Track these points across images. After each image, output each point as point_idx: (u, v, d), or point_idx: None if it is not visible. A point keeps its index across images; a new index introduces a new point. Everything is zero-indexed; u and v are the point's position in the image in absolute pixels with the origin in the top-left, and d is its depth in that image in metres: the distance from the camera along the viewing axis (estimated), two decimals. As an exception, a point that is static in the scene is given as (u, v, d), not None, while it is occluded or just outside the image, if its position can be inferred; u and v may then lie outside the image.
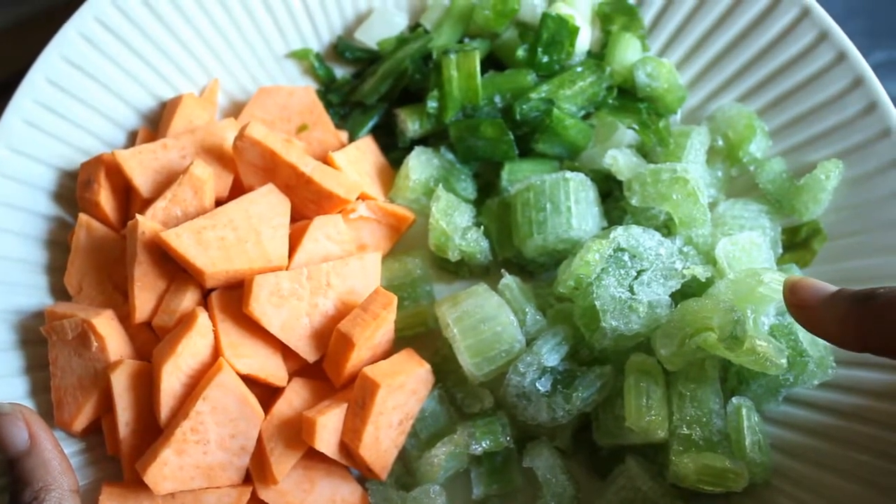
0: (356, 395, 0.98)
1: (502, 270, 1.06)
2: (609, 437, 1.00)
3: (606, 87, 1.14)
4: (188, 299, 1.00)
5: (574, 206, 1.04)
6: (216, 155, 1.07)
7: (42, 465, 0.92)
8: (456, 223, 1.07)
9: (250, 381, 0.98)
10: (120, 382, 0.97)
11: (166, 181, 1.04)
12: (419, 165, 1.11)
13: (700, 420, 0.96)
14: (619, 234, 1.00)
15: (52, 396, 1.01)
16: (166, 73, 1.14)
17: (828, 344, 0.99)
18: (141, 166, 1.04)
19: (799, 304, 0.88)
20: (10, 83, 1.06)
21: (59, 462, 0.93)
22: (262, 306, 0.97)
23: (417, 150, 1.12)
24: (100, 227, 1.05)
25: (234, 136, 1.04)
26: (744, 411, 0.97)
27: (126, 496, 0.97)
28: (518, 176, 1.10)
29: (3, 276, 1.04)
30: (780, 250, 1.08)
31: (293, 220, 1.05)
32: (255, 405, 0.97)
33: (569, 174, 1.05)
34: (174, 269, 1.01)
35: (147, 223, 0.99)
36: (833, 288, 0.87)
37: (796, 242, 1.09)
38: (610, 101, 1.14)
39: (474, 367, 0.99)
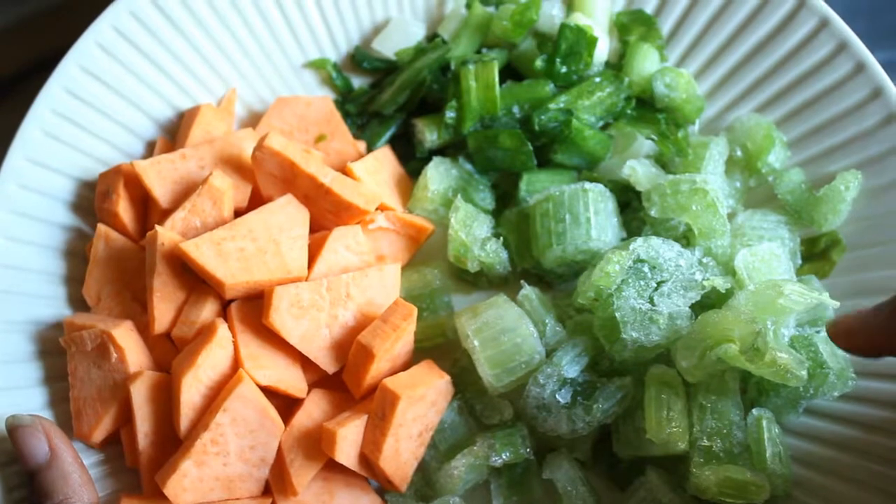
0: (376, 406, 0.97)
1: (521, 281, 1.05)
2: (629, 448, 1.00)
3: (625, 98, 1.13)
4: (207, 310, 0.99)
5: (593, 216, 1.04)
6: (235, 165, 1.07)
7: (62, 477, 0.92)
8: (475, 234, 1.06)
9: (270, 393, 0.98)
10: (139, 394, 0.97)
11: (185, 192, 1.04)
12: (437, 176, 1.11)
13: (721, 432, 0.96)
14: (639, 245, 0.99)
15: (71, 407, 1.01)
16: (184, 84, 1.14)
17: (848, 356, 0.99)
18: (159, 177, 1.04)
19: (845, 331, 0.88)
20: (11, 82, 1.06)
21: (79, 475, 0.93)
22: (281, 317, 0.97)
23: (436, 160, 1.12)
24: (118, 238, 1.05)
25: (252, 146, 1.04)
26: (764, 423, 0.96)
27: (146, 508, 0.97)
28: (537, 186, 1.10)
29: (22, 287, 1.04)
30: (800, 261, 1.08)
31: (312, 230, 1.05)
32: (275, 417, 0.97)
33: (588, 185, 1.05)
34: (193, 281, 1.01)
35: (166, 234, 0.99)
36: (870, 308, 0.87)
37: (815, 253, 1.08)
38: (628, 112, 1.14)
39: (494, 378, 0.99)
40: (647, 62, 1.14)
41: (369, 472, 1.00)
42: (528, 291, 1.04)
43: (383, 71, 1.21)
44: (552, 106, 1.10)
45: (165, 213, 1.03)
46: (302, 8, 1.17)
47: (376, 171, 1.11)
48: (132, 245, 1.05)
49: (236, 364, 0.98)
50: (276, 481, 0.99)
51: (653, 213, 1.04)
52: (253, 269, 0.98)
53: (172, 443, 0.98)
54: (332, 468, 0.99)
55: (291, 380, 1.00)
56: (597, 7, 1.16)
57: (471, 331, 1.00)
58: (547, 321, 1.02)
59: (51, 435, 0.93)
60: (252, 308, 1.00)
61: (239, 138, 1.08)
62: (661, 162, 1.11)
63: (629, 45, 1.16)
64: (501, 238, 1.09)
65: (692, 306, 0.99)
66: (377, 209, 1.08)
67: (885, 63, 1.08)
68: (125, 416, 1.00)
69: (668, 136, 1.11)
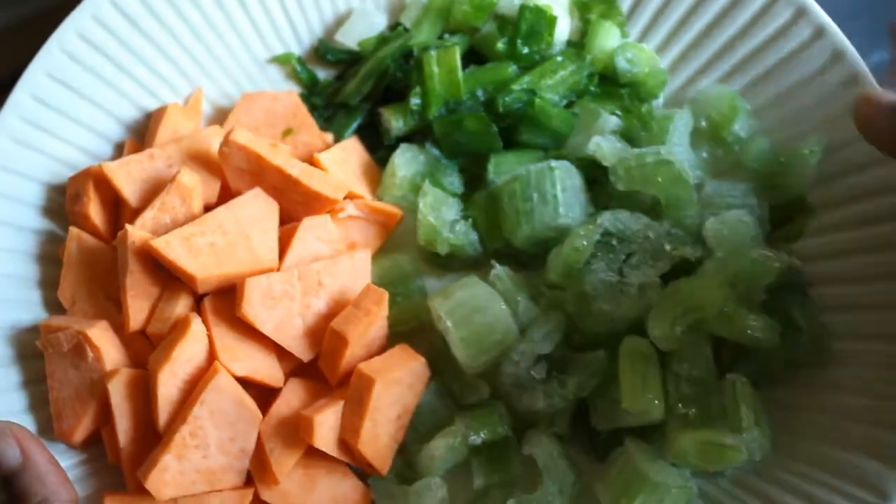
0: (352, 391, 0.98)
1: (493, 261, 1.06)
2: (607, 420, 1.00)
3: (587, 75, 1.14)
4: (181, 306, 1.00)
5: (561, 194, 1.04)
6: (203, 162, 1.08)
7: (38, 479, 0.92)
8: (444, 217, 1.07)
9: (247, 384, 0.99)
10: (117, 391, 0.98)
11: (154, 191, 1.05)
12: (405, 162, 1.12)
13: (696, 398, 0.97)
14: (607, 218, 1.00)
15: (52, 409, 1.02)
16: (149, 84, 1.15)
17: (821, 318, 1.00)
18: (129, 177, 1.05)
19: (865, 120, 0.89)
20: (11, 82, 1.07)
21: (55, 475, 0.93)
22: (254, 308, 0.98)
23: (403, 147, 1.13)
24: (90, 240, 1.05)
25: (219, 142, 1.05)
26: (738, 386, 0.97)
27: (129, 504, 0.97)
28: (504, 168, 1.11)
29: (-3, 293, 1.04)
30: (769, 227, 1.08)
31: (282, 222, 1.05)
32: (252, 407, 0.97)
33: (554, 163, 1.06)
34: (166, 277, 1.02)
35: (137, 233, 0.99)
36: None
37: (784, 218, 1.09)
38: (592, 89, 1.15)
39: (469, 358, 0.99)
40: (608, 39, 1.15)
41: (350, 457, 1.00)
42: (499, 271, 1.04)
43: (347, 62, 1.22)
44: (515, 87, 1.11)
45: (136, 213, 1.04)
46: (264, 3, 1.18)
47: (344, 160, 1.12)
48: (104, 246, 1.06)
49: (212, 357, 0.98)
50: (258, 471, 0.99)
51: (619, 186, 1.05)
52: (224, 262, 0.99)
53: (153, 438, 0.98)
54: (313, 455, 1.00)
55: (267, 370, 1.01)
56: (556, -13, 1.17)
57: (444, 312, 1.00)
58: (519, 299, 1.03)
59: (21, 438, 0.93)
60: (225, 301, 1.01)
61: (206, 135, 1.09)
62: (627, 137, 1.11)
63: (590, 23, 1.16)
64: (471, 220, 1.10)
65: (663, 277, 1.00)
66: (346, 198, 1.09)
67: (884, 62, 1.09)
68: (105, 414, 1.00)
69: (633, 110, 1.11)
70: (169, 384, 0.96)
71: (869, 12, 1.09)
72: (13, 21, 1.33)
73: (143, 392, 0.99)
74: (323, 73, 1.22)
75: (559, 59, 1.14)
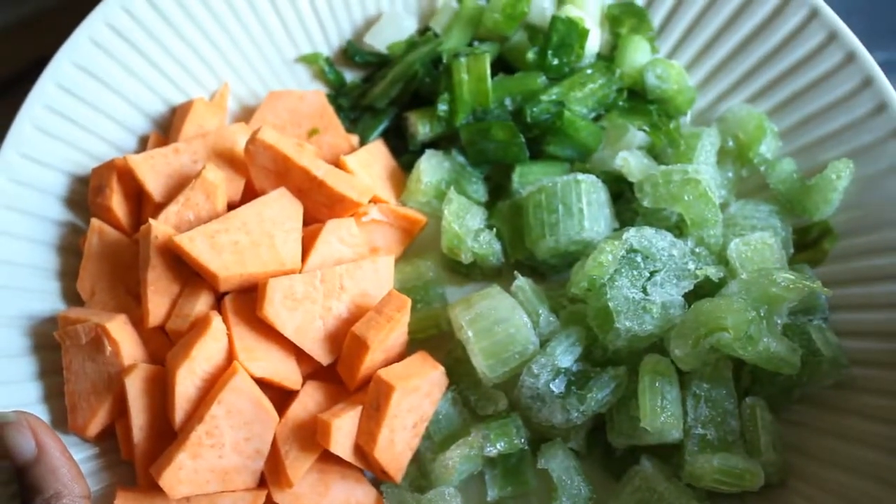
0: (371, 397, 0.98)
1: (515, 272, 1.06)
2: (624, 437, 1.00)
3: (616, 90, 1.14)
4: (202, 303, 1.00)
5: (586, 207, 1.04)
6: (228, 159, 1.07)
7: (51, 472, 0.91)
8: (468, 225, 1.07)
9: (264, 385, 0.98)
10: (134, 387, 0.97)
11: (178, 186, 1.04)
12: (430, 168, 1.11)
13: (715, 420, 0.97)
14: (632, 235, 1.00)
15: (66, 401, 1.01)
16: (177, 78, 1.14)
17: (841, 343, 1.00)
18: (153, 171, 1.04)
19: None
20: (11, 82, 1.06)
21: (68, 469, 0.93)
22: (275, 309, 0.97)
23: (428, 153, 1.13)
24: (112, 232, 1.05)
25: (245, 140, 1.04)
26: (758, 411, 0.97)
27: (141, 500, 0.97)
28: (529, 178, 1.10)
29: (16, 282, 1.04)
30: (792, 250, 1.08)
31: (306, 223, 1.05)
32: (269, 408, 0.97)
33: (580, 176, 1.05)
34: (187, 274, 1.01)
35: (160, 227, 0.99)
36: None
37: (807, 242, 1.09)
38: (620, 104, 1.14)
39: (488, 369, 0.99)
40: (638, 54, 1.14)
41: (364, 463, 1.00)
42: (521, 282, 1.04)
43: (375, 65, 1.21)
44: (544, 98, 1.11)
45: (159, 207, 1.03)
46: (294, 2, 1.17)
47: (369, 164, 1.12)
48: (126, 239, 1.05)
49: (231, 356, 0.98)
50: (272, 473, 0.99)
51: (645, 203, 1.05)
52: (247, 261, 0.98)
53: (167, 435, 0.98)
54: (328, 460, 0.99)
55: (286, 372, 1.00)
56: (588, -1, 1.17)
57: (465, 322, 1.00)
58: (540, 311, 1.02)
59: (37, 430, 0.93)
60: (246, 300, 1.00)
61: (232, 132, 1.09)
62: (653, 153, 1.11)
63: (620, 37, 1.16)
64: (495, 229, 1.09)
65: (685, 296, 0.99)
66: (370, 202, 1.08)
67: (884, 63, 1.09)
68: (120, 409, 1.00)
69: (660, 127, 1.11)
70: (187, 382, 0.96)
71: (869, 12, 1.09)
72: (13, 21, 1.32)
73: (160, 389, 0.98)
74: (350, 75, 1.22)
75: (589, 71, 1.14)
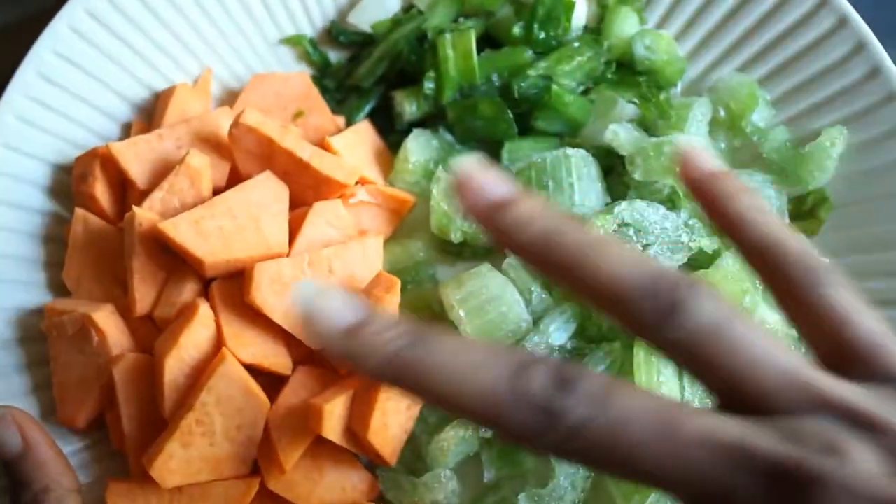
0: (362, 381, 0.96)
1: (506, 250, 1.04)
2: (620, 414, 0.99)
3: (605, 62, 1.12)
4: (188, 290, 0.98)
5: (576, 182, 1.03)
6: (212, 144, 1.06)
7: (39, 466, 0.91)
8: (458, 204, 1.05)
9: (255, 371, 0.97)
10: (122, 376, 0.96)
11: (162, 172, 1.02)
12: (418, 147, 1.10)
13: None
14: (623, 208, 0.98)
15: (55, 393, 1.00)
16: (159, 64, 1.12)
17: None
18: (136, 158, 1.03)
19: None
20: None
21: (56, 462, 0.92)
22: (263, 294, 0.96)
23: (415, 132, 1.11)
24: (97, 221, 1.03)
25: (229, 124, 1.03)
26: (756, 382, 0.95)
27: (133, 491, 0.95)
28: (518, 154, 1.09)
29: (1, 274, 1.02)
30: (787, 220, 1.07)
31: (292, 206, 1.03)
32: (260, 395, 0.96)
33: (570, 151, 1.04)
34: (174, 261, 1.00)
35: (145, 215, 0.97)
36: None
37: (803, 211, 1.07)
38: (609, 76, 1.12)
39: (481, 348, 0.98)
40: (626, 25, 1.13)
41: (358, 447, 0.99)
42: (512, 260, 1.02)
43: (360, 44, 1.19)
44: (531, 72, 1.09)
45: (143, 195, 1.01)
46: (276, -17, 1.16)
47: (356, 144, 1.10)
48: (111, 228, 1.04)
49: (219, 343, 0.96)
50: (264, 460, 0.97)
51: (637, 176, 1.03)
52: (233, 246, 0.97)
53: (158, 425, 0.96)
54: (321, 445, 0.98)
55: (276, 357, 0.99)
56: (574, -29, 1.15)
57: (455, 301, 0.99)
58: (533, 289, 1.01)
59: (22, 424, 0.92)
60: (233, 286, 0.99)
61: (216, 117, 1.07)
62: (644, 125, 1.10)
63: (608, 9, 1.14)
64: (485, 207, 1.08)
65: (679, 268, 0.98)
66: (358, 183, 1.07)
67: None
68: (109, 399, 0.98)
69: (650, 98, 1.09)
70: (175, 370, 0.94)
71: (868, 12, 1.07)
72: (13, 21, 1.31)
73: (149, 377, 0.97)
74: (335, 56, 1.20)
75: (576, 45, 1.12)
